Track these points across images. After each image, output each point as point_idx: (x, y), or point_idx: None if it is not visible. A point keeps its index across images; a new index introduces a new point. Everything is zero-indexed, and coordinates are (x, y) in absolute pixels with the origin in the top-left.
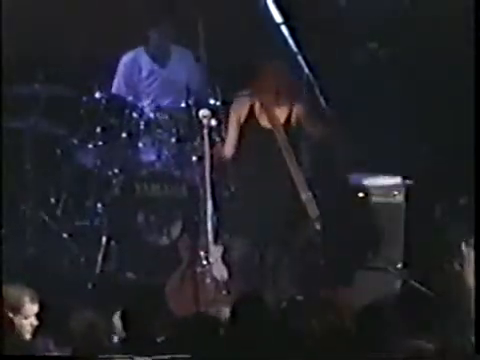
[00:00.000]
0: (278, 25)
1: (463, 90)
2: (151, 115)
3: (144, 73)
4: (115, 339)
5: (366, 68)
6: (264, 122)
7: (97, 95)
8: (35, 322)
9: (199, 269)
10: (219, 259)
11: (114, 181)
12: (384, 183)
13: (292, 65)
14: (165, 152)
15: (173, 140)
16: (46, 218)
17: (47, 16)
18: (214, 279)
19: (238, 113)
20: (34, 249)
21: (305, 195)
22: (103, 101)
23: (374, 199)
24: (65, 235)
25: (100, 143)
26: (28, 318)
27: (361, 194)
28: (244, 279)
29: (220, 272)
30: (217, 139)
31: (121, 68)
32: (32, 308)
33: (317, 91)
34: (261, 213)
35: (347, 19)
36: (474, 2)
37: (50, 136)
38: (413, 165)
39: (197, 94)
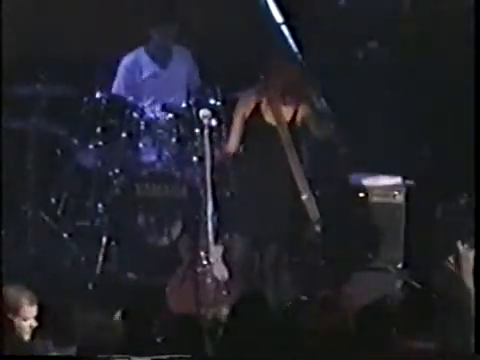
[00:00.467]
0: (278, 25)
1: (463, 90)
2: (151, 115)
3: (145, 74)
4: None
5: (366, 68)
6: (269, 119)
7: (98, 95)
8: (34, 324)
9: (199, 269)
10: (219, 259)
11: (115, 181)
12: (384, 183)
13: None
14: (165, 152)
15: (173, 140)
16: (46, 218)
17: (47, 16)
18: (214, 279)
19: (244, 109)
20: (34, 249)
21: (306, 195)
22: (104, 101)
23: (374, 199)
24: (65, 235)
25: (101, 143)
26: (27, 320)
27: (361, 194)
28: (244, 279)
29: (220, 272)
30: (217, 139)
31: (121, 70)
32: (31, 310)
33: (317, 91)
34: (261, 213)
35: (347, 19)
36: (474, 2)
37: (50, 136)
38: (413, 165)
39: (197, 94)
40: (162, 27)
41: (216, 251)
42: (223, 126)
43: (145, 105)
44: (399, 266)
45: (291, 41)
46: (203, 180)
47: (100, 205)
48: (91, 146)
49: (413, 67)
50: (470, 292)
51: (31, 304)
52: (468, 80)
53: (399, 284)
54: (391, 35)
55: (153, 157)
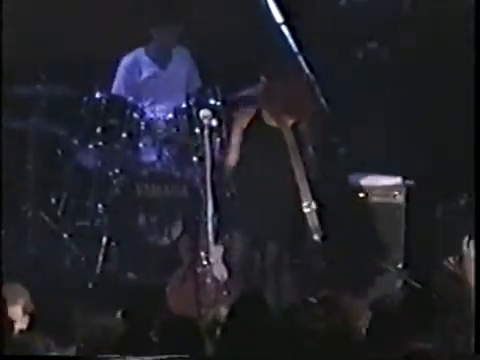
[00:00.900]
0: (278, 25)
1: (463, 90)
2: (151, 115)
3: (144, 74)
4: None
5: (366, 68)
6: (271, 122)
7: (97, 95)
8: (25, 324)
9: (200, 269)
10: (220, 259)
11: (115, 181)
12: (384, 183)
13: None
14: (166, 152)
15: (173, 140)
16: (46, 218)
17: (47, 16)
18: (215, 279)
19: (241, 123)
20: (34, 249)
21: (307, 204)
22: (104, 101)
23: (374, 199)
24: (65, 235)
25: (101, 143)
26: (22, 319)
27: (361, 194)
28: (244, 280)
29: (220, 272)
30: (218, 140)
31: (121, 71)
32: (27, 309)
33: (317, 91)
34: (261, 214)
35: (347, 19)
36: (474, 2)
37: (51, 136)
38: (413, 165)
39: (197, 94)
40: (162, 27)
41: (216, 251)
42: (223, 126)
43: (145, 105)
44: (399, 266)
45: (291, 41)
46: (203, 180)
47: (100, 205)
48: (91, 146)
49: (413, 67)
50: (470, 292)
51: (26, 304)
52: (468, 80)
53: (399, 284)
54: (391, 35)
55: (153, 157)
